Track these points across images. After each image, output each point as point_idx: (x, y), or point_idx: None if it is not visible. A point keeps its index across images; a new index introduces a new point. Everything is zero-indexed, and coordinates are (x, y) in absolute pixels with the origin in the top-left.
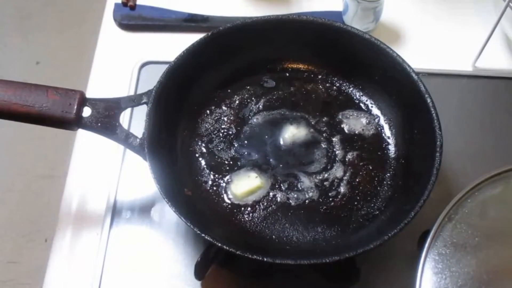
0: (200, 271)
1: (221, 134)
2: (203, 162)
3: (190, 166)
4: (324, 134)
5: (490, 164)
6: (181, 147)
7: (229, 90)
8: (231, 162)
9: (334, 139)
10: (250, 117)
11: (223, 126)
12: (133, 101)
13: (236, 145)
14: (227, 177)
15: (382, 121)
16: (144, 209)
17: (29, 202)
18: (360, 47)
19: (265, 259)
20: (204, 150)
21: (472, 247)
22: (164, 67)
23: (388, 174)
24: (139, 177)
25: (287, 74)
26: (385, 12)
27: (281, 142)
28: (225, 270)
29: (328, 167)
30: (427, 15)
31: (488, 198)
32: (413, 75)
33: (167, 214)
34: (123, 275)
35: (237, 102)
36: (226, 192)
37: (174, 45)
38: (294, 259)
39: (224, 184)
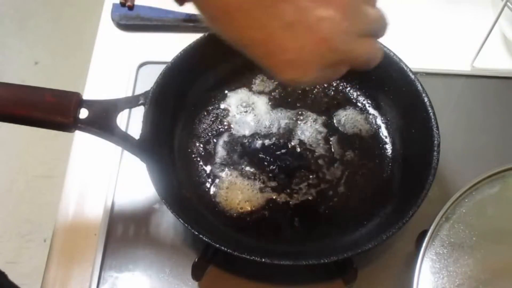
0: (197, 272)
1: (218, 135)
2: (200, 163)
3: (188, 167)
4: (321, 134)
5: (488, 164)
6: (179, 148)
7: (226, 91)
8: (229, 163)
9: (331, 139)
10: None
11: (220, 127)
12: (130, 102)
13: (233, 146)
14: (225, 178)
15: (380, 120)
16: (142, 210)
17: (28, 203)
18: None
19: (263, 260)
20: (202, 151)
21: (469, 246)
22: (162, 67)
23: (386, 174)
24: (137, 178)
25: None
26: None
27: (279, 142)
28: (223, 270)
29: (326, 167)
30: (424, 14)
31: (485, 197)
32: (410, 74)
33: (165, 215)
34: (121, 275)
35: (234, 102)
36: (223, 193)
37: (173, 45)
38: (292, 259)
39: (221, 185)
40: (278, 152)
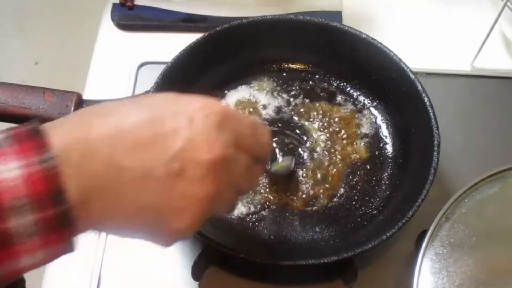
0: (197, 272)
1: None
2: None
3: None
4: (322, 134)
5: (488, 164)
6: None
7: (226, 91)
8: None
9: (332, 139)
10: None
11: None
12: None
13: None
14: None
15: (380, 120)
16: None
17: None
18: (357, 47)
19: (263, 260)
20: None
21: (469, 247)
22: (162, 67)
23: (386, 174)
24: None
25: (284, 74)
26: (381, 11)
27: (278, 142)
28: (223, 270)
29: (326, 167)
30: (424, 14)
31: (485, 197)
32: (410, 74)
33: None
34: (122, 275)
35: (234, 102)
36: None
37: (173, 45)
38: (292, 259)
39: None
40: (278, 152)
